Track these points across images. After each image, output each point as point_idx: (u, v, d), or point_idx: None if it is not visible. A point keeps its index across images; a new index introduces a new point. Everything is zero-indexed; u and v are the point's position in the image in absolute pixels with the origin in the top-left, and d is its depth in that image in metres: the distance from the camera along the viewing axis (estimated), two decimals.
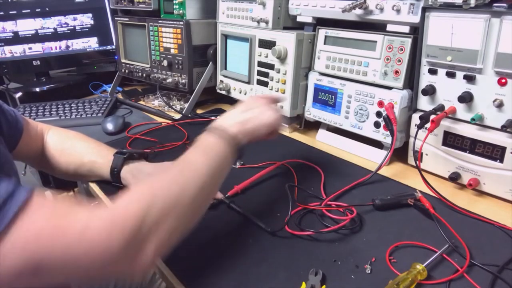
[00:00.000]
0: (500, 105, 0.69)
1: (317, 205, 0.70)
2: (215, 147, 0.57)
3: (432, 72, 0.77)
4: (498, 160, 0.71)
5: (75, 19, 1.45)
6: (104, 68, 1.59)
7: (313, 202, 0.73)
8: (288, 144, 1.01)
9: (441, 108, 0.77)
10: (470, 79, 0.72)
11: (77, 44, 1.49)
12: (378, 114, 0.87)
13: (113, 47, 1.51)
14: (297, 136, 1.06)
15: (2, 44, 1.39)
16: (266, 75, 1.06)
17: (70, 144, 0.81)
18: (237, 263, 0.58)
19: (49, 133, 0.81)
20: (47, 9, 1.41)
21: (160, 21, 1.23)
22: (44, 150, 0.80)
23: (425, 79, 0.79)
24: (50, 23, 1.43)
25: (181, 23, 1.16)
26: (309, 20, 0.99)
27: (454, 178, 0.77)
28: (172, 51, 1.23)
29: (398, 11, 0.79)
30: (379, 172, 0.81)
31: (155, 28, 1.26)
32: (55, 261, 0.40)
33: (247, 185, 0.77)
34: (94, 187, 0.81)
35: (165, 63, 1.25)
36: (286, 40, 0.98)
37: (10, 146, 0.72)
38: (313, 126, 1.07)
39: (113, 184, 0.77)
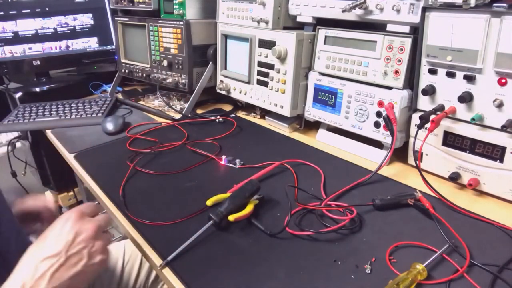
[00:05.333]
0: (500, 105, 0.69)
1: (317, 205, 0.70)
2: None
3: (432, 72, 0.77)
4: (498, 160, 0.71)
5: (75, 19, 1.46)
6: (104, 68, 1.59)
7: (313, 202, 0.73)
8: (288, 144, 1.01)
9: (441, 108, 0.77)
10: (470, 79, 0.72)
11: (77, 44, 1.49)
12: (378, 114, 0.87)
13: (113, 47, 1.51)
14: (297, 136, 1.06)
15: (2, 44, 1.39)
16: (266, 75, 1.06)
17: None
18: (237, 263, 0.58)
19: None
20: (47, 9, 1.41)
21: (160, 21, 1.23)
22: None
23: (425, 79, 0.79)
24: (50, 23, 1.43)
25: (181, 23, 1.16)
26: (309, 20, 0.99)
27: (454, 178, 0.77)
28: (172, 51, 1.23)
29: (398, 11, 0.79)
30: (379, 172, 0.81)
31: (155, 28, 1.26)
32: None
33: None
34: (94, 187, 0.82)
35: (165, 63, 1.25)
36: (286, 40, 0.98)
37: None
38: (313, 126, 1.07)
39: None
